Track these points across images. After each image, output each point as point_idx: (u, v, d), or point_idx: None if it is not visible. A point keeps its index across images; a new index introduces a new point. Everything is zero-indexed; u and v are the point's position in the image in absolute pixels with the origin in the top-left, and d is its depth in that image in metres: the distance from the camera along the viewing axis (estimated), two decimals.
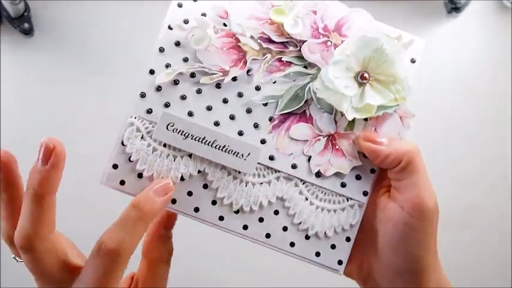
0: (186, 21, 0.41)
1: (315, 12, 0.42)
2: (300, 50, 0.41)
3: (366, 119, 0.42)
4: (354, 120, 0.42)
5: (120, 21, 0.95)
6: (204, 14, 0.41)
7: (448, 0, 0.99)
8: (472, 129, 1.02)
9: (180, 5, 0.41)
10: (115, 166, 0.41)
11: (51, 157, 0.35)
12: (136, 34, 0.95)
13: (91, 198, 0.79)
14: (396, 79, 0.40)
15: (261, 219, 0.42)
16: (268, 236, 0.42)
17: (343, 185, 0.42)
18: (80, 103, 0.92)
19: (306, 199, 0.42)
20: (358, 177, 0.42)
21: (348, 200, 0.42)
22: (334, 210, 0.42)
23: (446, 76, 1.01)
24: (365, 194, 0.42)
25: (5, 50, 0.91)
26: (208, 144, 0.40)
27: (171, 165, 0.41)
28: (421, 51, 0.43)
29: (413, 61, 0.43)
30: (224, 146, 0.41)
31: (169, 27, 0.41)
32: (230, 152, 0.41)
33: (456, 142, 1.01)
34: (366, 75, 0.40)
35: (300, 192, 0.42)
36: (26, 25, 0.91)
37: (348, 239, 0.42)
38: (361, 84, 0.40)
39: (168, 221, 0.44)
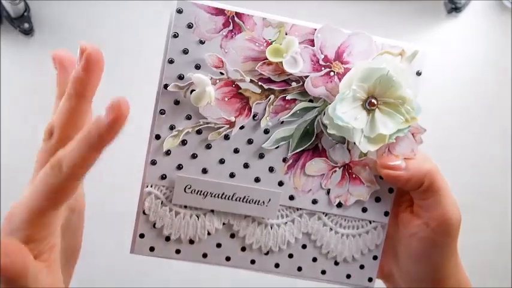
0: (180, 77, 0.40)
1: (312, 43, 0.40)
2: (303, 85, 0.40)
3: None
4: (367, 152, 0.42)
5: (121, 21, 0.95)
6: (198, 66, 0.40)
7: (448, 0, 0.99)
8: (472, 129, 1.02)
9: (171, 61, 0.40)
10: (142, 235, 0.42)
11: (82, 59, 0.34)
12: (136, 34, 0.95)
13: (90, 198, 0.79)
14: (405, 100, 0.39)
15: (290, 256, 0.43)
16: (299, 269, 0.43)
17: (364, 210, 0.43)
18: None
19: (331, 229, 0.43)
20: (377, 200, 0.43)
21: (370, 223, 0.43)
22: (359, 235, 0.43)
23: (446, 76, 1.01)
24: (386, 214, 0.43)
25: (5, 50, 0.90)
26: (228, 199, 0.41)
27: (196, 224, 0.42)
28: (425, 61, 0.42)
29: (418, 73, 0.42)
30: (244, 197, 0.41)
31: (165, 87, 0.40)
32: (251, 201, 0.41)
33: (456, 142, 1.01)
34: (373, 101, 0.39)
35: (324, 224, 0.43)
36: (26, 25, 0.91)
37: (375, 258, 0.44)
38: (370, 111, 0.40)
39: None
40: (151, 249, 0.42)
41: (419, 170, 0.40)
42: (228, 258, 0.42)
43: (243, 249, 0.42)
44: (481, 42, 1.02)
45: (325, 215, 0.43)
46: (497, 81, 1.02)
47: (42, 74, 0.91)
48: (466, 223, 1.04)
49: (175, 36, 0.39)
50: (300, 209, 0.42)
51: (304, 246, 0.43)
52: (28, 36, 0.92)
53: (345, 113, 0.39)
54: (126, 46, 0.94)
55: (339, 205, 0.43)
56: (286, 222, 0.43)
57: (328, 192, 0.42)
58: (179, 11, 0.39)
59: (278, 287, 0.78)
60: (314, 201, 0.42)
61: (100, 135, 0.30)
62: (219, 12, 0.39)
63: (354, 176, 0.42)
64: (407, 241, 0.42)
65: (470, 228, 1.00)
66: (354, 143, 0.40)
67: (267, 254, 0.43)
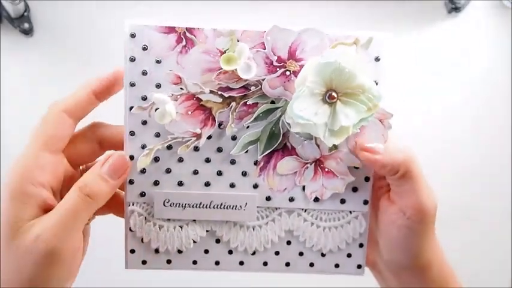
0: (143, 98, 0.42)
1: (263, 46, 0.41)
2: (261, 88, 0.41)
3: None
4: (337, 146, 0.43)
5: (121, 21, 0.96)
6: (158, 85, 0.42)
7: (448, 0, 0.98)
8: (472, 129, 1.01)
9: (132, 84, 0.42)
10: (132, 251, 0.44)
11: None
12: None
13: None
14: (364, 89, 0.40)
15: (277, 253, 0.45)
16: (288, 264, 0.45)
17: (342, 201, 0.44)
18: None
19: (312, 224, 0.44)
20: (355, 190, 0.44)
21: (351, 213, 0.44)
22: (341, 226, 0.44)
23: (446, 76, 1.00)
24: (365, 203, 0.44)
25: (5, 50, 0.92)
26: (206, 207, 0.43)
27: (180, 235, 0.44)
28: (386, 46, 0.42)
29: (377, 59, 0.42)
30: (221, 204, 0.43)
31: (130, 109, 0.42)
32: (228, 207, 0.43)
33: (456, 141, 1.00)
34: (333, 94, 0.40)
35: (305, 220, 0.44)
36: (26, 25, 0.92)
37: (361, 245, 0.45)
38: (331, 104, 0.40)
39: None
40: (144, 262, 0.44)
41: (396, 157, 0.40)
42: (217, 263, 0.45)
43: (230, 252, 0.44)
44: (481, 42, 1.01)
45: (304, 211, 0.44)
46: (497, 81, 1.01)
47: (42, 74, 0.93)
48: (466, 223, 1.04)
49: (132, 60, 0.41)
50: (278, 208, 0.44)
51: (288, 243, 0.44)
52: (28, 36, 0.93)
53: (304, 110, 0.39)
54: None
55: (316, 200, 0.44)
56: (267, 223, 0.44)
57: (304, 188, 0.44)
58: (132, 35, 0.41)
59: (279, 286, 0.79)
60: (291, 199, 0.44)
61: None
62: (170, 30, 0.41)
63: (326, 170, 0.43)
64: (387, 229, 0.43)
65: (470, 228, 1.00)
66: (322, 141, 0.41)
67: (253, 254, 0.44)
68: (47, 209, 0.39)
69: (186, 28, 0.41)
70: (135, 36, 0.41)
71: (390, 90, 0.42)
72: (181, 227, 0.44)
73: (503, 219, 1.03)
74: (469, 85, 1.01)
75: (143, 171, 0.43)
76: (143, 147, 0.42)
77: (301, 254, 0.45)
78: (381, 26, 0.98)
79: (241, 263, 0.45)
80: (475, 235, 1.02)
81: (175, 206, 0.43)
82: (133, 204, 0.43)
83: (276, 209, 0.44)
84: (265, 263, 0.45)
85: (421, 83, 0.99)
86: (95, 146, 0.43)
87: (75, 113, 0.41)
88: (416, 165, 0.41)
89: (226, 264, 0.45)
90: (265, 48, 0.40)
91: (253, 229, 0.44)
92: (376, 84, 0.41)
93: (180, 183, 0.43)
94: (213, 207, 0.43)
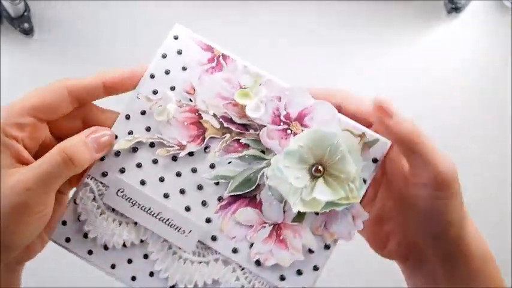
0: (155, 92, 0.43)
1: (279, 99, 0.42)
2: (259, 134, 0.42)
3: (316, 213, 0.42)
4: (304, 212, 0.41)
5: (121, 21, 0.97)
6: (173, 88, 0.43)
7: (448, 0, 0.99)
8: (472, 129, 1.02)
9: (152, 76, 0.43)
10: (64, 223, 0.42)
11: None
12: (136, 34, 0.96)
13: None
14: (350, 177, 0.40)
15: None
16: None
17: (282, 278, 0.42)
18: None
19: (242, 286, 0.42)
20: (299, 273, 0.42)
21: None
22: None
23: (446, 76, 1.01)
24: None
25: (5, 50, 0.92)
26: (153, 216, 0.42)
27: (115, 230, 0.42)
28: (385, 151, 0.42)
29: (374, 160, 0.42)
30: (168, 220, 0.41)
31: (138, 97, 0.43)
32: (173, 226, 0.41)
33: (456, 142, 1.01)
34: (320, 168, 0.40)
35: (237, 278, 0.42)
36: (26, 25, 0.93)
37: None
38: (314, 177, 0.40)
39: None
40: (67, 240, 0.42)
41: (401, 130, 0.40)
42: (133, 278, 0.42)
43: (151, 274, 0.42)
44: (481, 42, 1.02)
45: (241, 269, 0.42)
46: (497, 81, 1.02)
47: (42, 74, 0.93)
48: None
49: (164, 56, 0.43)
50: (218, 253, 0.42)
51: None
52: (28, 36, 0.93)
53: (287, 168, 0.40)
54: (127, 46, 0.95)
55: (258, 263, 0.42)
56: (200, 262, 0.42)
57: (251, 246, 0.42)
58: (175, 37, 0.43)
59: None
60: (234, 250, 0.42)
61: None
62: (209, 48, 0.43)
63: (281, 238, 0.42)
64: (411, 203, 0.42)
65: None
66: (290, 205, 0.40)
67: (172, 287, 0.42)
68: (23, 163, 0.39)
69: (222, 54, 0.43)
70: (177, 38, 0.43)
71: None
72: (120, 223, 0.42)
73: (503, 219, 1.04)
74: (469, 86, 1.01)
75: (117, 153, 0.42)
76: (130, 133, 0.42)
77: None
78: (381, 26, 0.99)
79: None
80: None
81: (126, 200, 0.42)
82: (91, 179, 0.42)
83: (216, 253, 0.42)
84: None
85: (421, 83, 1.00)
86: (79, 123, 0.43)
87: (77, 93, 0.41)
88: (424, 135, 0.41)
89: (141, 283, 0.42)
90: (280, 101, 0.42)
91: (184, 262, 0.42)
92: (364, 182, 0.42)
93: (143, 182, 0.42)
94: (159, 219, 0.42)
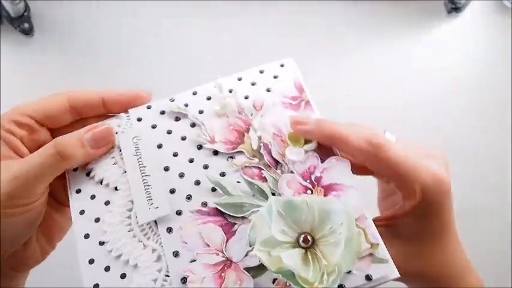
0: (230, 91, 0.45)
1: (323, 161, 0.41)
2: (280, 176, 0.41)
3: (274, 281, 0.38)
4: (263, 271, 0.37)
5: (121, 21, 0.97)
6: (247, 97, 0.44)
7: (448, 0, 1.00)
8: (471, 129, 1.02)
9: (240, 79, 0.45)
10: (75, 169, 0.43)
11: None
12: (137, 34, 0.96)
13: None
14: (330, 266, 0.36)
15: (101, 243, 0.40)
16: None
17: None
18: None
19: None
20: None
21: None
22: None
23: (446, 76, 1.01)
24: None
25: (5, 50, 0.92)
26: (141, 173, 0.41)
27: (109, 167, 0.42)
28: (385, 279, 0.37)
29: (367, 278, 0.37)
30: (149, 186, 0.40)
31: (215, 84, 0.45)
32: (147, 192, 0.40)
33: (456, 142, 1.01)
34: (309, 238, 0.37)
35: (155, 280, 0.38)
36: (26, 25, 0.93)
37: None
38: (296, 243, 0.37)
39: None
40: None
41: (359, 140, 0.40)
42: (86, 236, 0.40)
43: (86, 236, 0.40)
44: (481, 42, 1.02)
45: (166, 276, 0.38)
46: (497, 81, 1.02)
47: (42, 74, 0.93)
48: (466, 223, 1.05)
49: (261, 72, 0.46)
50: (161, 245, 0.39)
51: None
52: (28, 36, 0.93)
53: (280, 215, 0.37)
54: (127, 46, 0.95)
55: (184, 280, 0.38)
56: (140, 241, 0.39)
57: (192, 261, 0.38)
58: (281, 65, 0.46)
59: None
60: (176, 254, 0.38)
61: None
62: (300, 90, 0.45)
63: (222, 274, 0.38)
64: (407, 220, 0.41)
65: (470, 228, 1.01)
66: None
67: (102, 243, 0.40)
68: (20, 155, 0.40)
69: (307, 101, 0.44)
70: (282, 66, 0.46)
71: None
72: (115, 163, 0.42)
73: (503, 219, 1.04)
74: (469, 86, 1.01)
75: (163, 112, 0.44)
76: (186, 105, 0.44)
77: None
78: (381, 26, 0.99)
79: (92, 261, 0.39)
80: (475, 235, 1.03)
81: (135, 148, 0.42)
82: (126, 114, 0.44)
83: (159, 244, 0.39)
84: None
85: (421, 82, 1.00)
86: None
87: (77, 106, 0.42)
88: (393, 148, 0.39)
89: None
90: (321, 162, 0.41)
91: (129, 230, 0.40)
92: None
93: (159, 146, 0.42)
94: (143, 180, 0.40)
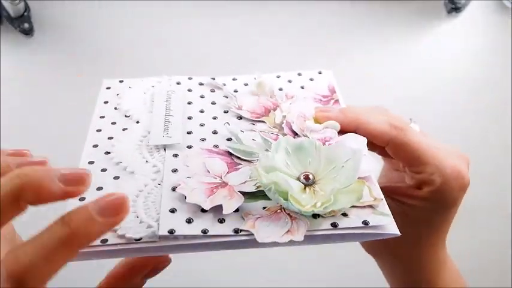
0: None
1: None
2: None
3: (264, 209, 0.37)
4: (258, 197, 0.37)
5: (121, 21, 0.97)
6: (281, 89, 0.48)
7: (448, 0, 1.00)
8: (472, 129, 1.03)
9: (278, 76, 0.50)
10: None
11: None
12: (137, 34, 0.96)
13: None
14: (326, 195, 0.35)
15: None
16: None
17: (172, 210, 0.36)
18: (80, 103, 0.94)
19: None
20: (188, 221, 0.35)
21: None
22: None
23: (446, 76, 1.01)
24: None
25: (5, 50, 0.92)
26: (166, 112, 0.45)
27: (137, 104, 0.46)
28: (381, 230, 0.35)
29: (364, 223, 0.35)
30: (169, 122, 0.44)
31: (255, 77, 0.49)
32: (166, 124, 0.43)
33: (456, 142, 1.01)
34: (310, 177, 0.37)
35: (145, 185, 0.38)
36: (26, 25, 0.93)
37: None
38: (298, 178, 0.37)
39: (154, 268, 0.38)
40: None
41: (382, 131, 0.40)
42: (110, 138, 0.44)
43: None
44: (481, 42, 1.02)
45: (157, 184, 0.39)
46: (497, 81, 1.02)
47: (42, 74, 0.93)
48: (466, 223, 1.05)
49: (299, 74, 0.51)
50: (163, 161, 0.40)
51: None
52: (28, 36, 0.94)
53: (288, 154, 0.38)
54: (127, 46, 0.95)
55: (173, 189, 0.37)
56: (145, 160, 0.41)
57: (188, 178, 0.38)
58: (319, 72, 0.50)
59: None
60: (174, 170, 0.39)
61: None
62: (332, 91, 0.48)
63: (214, 189, 0.37)
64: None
65: (470, 228, 1.01)
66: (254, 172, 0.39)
67: (107, 153, 0.42)
68: None
69: (337, 100, 0.47)
70: (320, 73, 0.50)
71: None
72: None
73: (503, 219, 1.04)
74: (469, 86, 1.02)
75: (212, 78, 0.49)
76: (234, 79, 0.49)
77: None
78: (381, 26, 1.00)
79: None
80: (475, 235, 1.03)
81: (167, 94, 0.47)
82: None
83: (162, 162, 0.40)
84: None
85: (421, 82, 1.00)
86: None
87: None
88: (411, 131, 0.40)
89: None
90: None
91: (138, 147, 0.41)
92: (333, 226, 0.36)
93: (189, 103, 0.46)
94: (166, 114, 0.44)
